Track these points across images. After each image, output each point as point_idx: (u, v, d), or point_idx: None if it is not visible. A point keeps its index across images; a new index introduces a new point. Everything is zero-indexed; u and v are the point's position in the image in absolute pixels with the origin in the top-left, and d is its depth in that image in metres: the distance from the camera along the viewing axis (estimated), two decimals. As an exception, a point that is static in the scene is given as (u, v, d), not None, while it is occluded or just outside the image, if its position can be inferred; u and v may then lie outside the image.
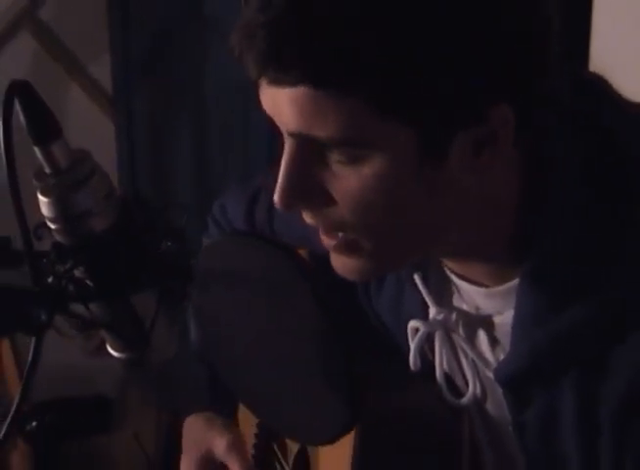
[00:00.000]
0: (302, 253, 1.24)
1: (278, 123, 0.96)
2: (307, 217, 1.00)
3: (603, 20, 1.57)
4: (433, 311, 1.12)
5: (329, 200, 0.96)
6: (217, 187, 2.73)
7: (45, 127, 0.82)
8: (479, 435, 1.15)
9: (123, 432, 2.75)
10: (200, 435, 1.32)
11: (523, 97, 0.94)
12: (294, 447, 1.31)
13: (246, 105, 2.56)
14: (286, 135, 0.95)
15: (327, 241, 1.00)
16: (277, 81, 0.91)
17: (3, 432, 0.84)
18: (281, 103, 0.92)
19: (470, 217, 1.00)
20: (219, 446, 1.28)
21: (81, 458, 2.63)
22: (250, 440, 1.35)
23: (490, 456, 1.15)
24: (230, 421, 1.33)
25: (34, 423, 2.50)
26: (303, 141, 0.94)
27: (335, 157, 0.94)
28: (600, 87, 1.05)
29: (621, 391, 0.98)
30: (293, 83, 0.90)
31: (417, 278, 1.13)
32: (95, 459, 2.68)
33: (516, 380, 1.05)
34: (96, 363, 3.16)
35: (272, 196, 0.98)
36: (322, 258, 1.17)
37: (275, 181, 0.98)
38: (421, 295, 1.13)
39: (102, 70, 2.93)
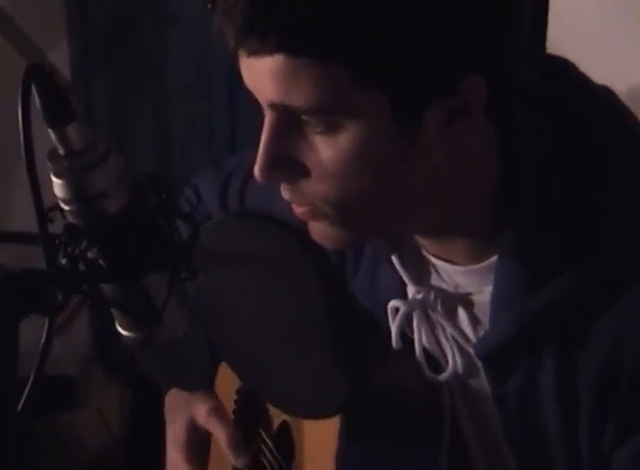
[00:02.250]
0: None
1: (257, 96, 0.98)
2: (284, 191, 1.03)
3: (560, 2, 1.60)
4: (411, 291, 1.15)
5: (305, 172, 0.99)
6: (178, 174, 2.74)
7: (60, 110, 0.82)
8: (460, 409, 1.17)
9: (87, 409, 2.76)
10: (182, 405, 1.35)
11: (493, 67, 0.97)
12: (275, 416, 1.33)
13: (206, 90, 2.57)
14: (265, 107, 0.98)
15: (296, 209, 1.04)
16: (255, 52, 0.94)
17: (20, 406, 0.85)
18: (260, 74, 0.95)
19: (443, 192, 1.03)
20: (201, 412, 1.31)
21: (47, 435, 2.64)
22: (229, 405, 1.38)
23: (472, 431, 1.18)
24: (211, 390, 1.35)
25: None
26: (282, 112, 0.97)
27: (312, 127, 0.97)
28: (568, 72, 1.09)
29: (599, 364, 1.01)
30: (270, 52, 0.93)
31: (394, 259, 1.15)
32: (61, 436, 2.69)
33: (495, 354, 1.08)
34: (59, 343, 3.16)
35: (251, 169, 1.01)
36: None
37: (255, 154, 1.00)
38: (398, 275, 1.15)
39: (60, 57, 2.92)
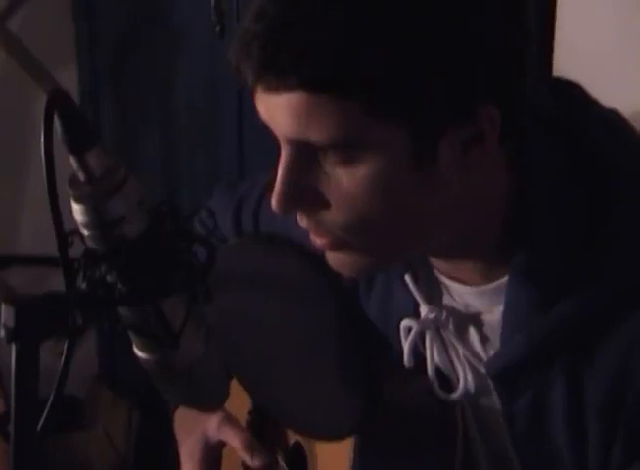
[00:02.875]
0: None
1: (274, 130, 1.00)
2: (302, 221, 1.03)
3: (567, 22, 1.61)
4: (424, 310, 1.16)
5: (324, 203, 1.00)
6: (186, 196, 2.75)
7: (81, 137, 0.84)
8: (471, 430, 1.18)
9: (94, 429, 2.77)
10: (193, 421, 1.36)
11: (506, 96, 0.99)
12: (288, 436, 1.34)
13: (214, 113, 2.58)
14: (282, 141, 0.99)
15: (316, 240, 1.04)
16: (273, 88, 0.95)
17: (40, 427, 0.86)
18: (277, 109, 0.96)
19: (459, 217, 1.05)
20: (212, 425, 1.32)
21: (55, 455, 2.65)
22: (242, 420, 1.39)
23: (483, 451, 1.19)
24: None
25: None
26: (299, 146, 0.98)
27: (330, 159, 0.98)
28: (578, 95, 1.10)
29: (607, 384, 1.03)
30: (289, 89, 0.94)
31: (408, 279, 1.16)
32: (68, 457, 2.70)
33: (506, 373, 1.09)
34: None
35: (268, 194, 1.03)
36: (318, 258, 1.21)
37: (272, 186, 1.01)
38: (411, 295, 1.17)
39: (69, 79, 2.95)
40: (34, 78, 2.88)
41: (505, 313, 1.08)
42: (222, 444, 1.37)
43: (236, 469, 1.44)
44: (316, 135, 0.96)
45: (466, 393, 1.17)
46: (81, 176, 0.85)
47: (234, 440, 1.33)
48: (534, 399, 1.09)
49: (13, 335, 0.82)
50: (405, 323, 1.18)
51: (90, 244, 0.87)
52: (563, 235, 1.04)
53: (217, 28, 2.36)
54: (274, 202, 1.01)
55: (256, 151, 2.47)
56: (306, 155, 0.99)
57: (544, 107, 1.09)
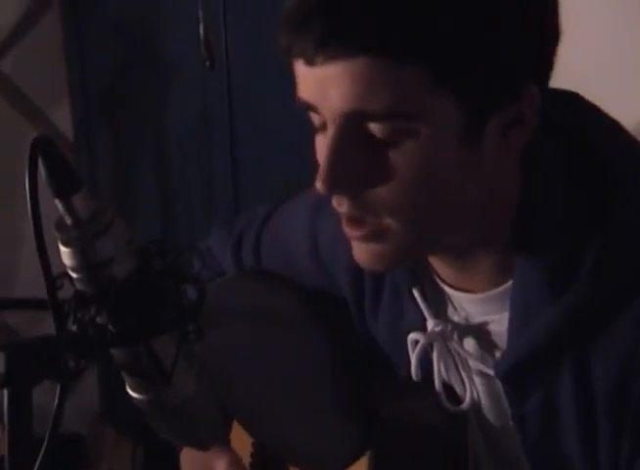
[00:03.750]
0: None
1: (324, 107, 0.99)
2: (341, 206, 1.03)
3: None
4: (431, 324, 1.17)
5: (371, 181, 1.00)
6: (181, 227, 2.76)
7: (66, 181, 0.84)
8: (478, 445, 1.19)
9: (100, 468, 2.77)
10: (199, 459, 1.36)
11: (544, 80, 1.01)
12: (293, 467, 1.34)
13: (207, 148, 2.60)
14: (331, 119, 0.99)
15: (353, 232, 1.04)
16: (336, 57, 0.95)
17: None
18: (335, 80, 0.96)
19: (485, 203, 1.06)
20: (220, 465, 1.31)
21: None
22: (245, 459, 1.39)
23: (485, 456, 1.21)
24: (227, 444, 1.36)
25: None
26: (350, 120, 0.98)
27: (381, 134, 0.98)
28: (579, 102, 1.12)
29: (616, 372, 1.03)
30: (354, 56, 0.94)
31: (416, 293, 1.18)
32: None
33: (515, 372, 1.10)
34: (68, 402, 3.17)
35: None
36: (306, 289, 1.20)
37: (316, 170, 1.01)
38: (419, 309, 1.18)
39: (62, 117, 2.97)
40: (28, 119, 2.91)
41: (512, 311, 1.09)
42: None
43: None
44: (375, 104, 0.96)
45: (473, 403, 1.18)
46: (68, 220, 0.86)
47: None
48: (544, 398, 1.09)
49: (5, 380, 0.82)
50: (412, 336, 1.19)
51: (79, 286, 0.87)
52: (566, 233, 1.05)
53: (207, 63, 2.38)
54: (320, 182, 1.00)
55: (250, 185, 2.49)
56: (355, 132, 0.98)
57: (546, 113, 1.10)
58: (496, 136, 1.00)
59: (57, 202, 0.85)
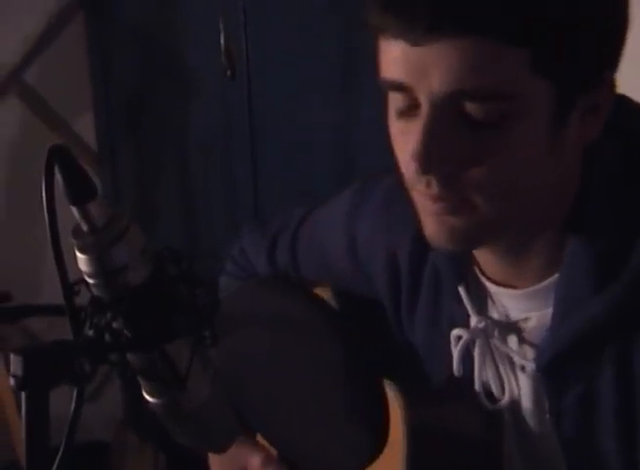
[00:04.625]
0: (325, 291, 1.29)
1: (419, 88, 1.00)
2: (430, 186, 1.03)
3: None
4: (474, 320, 1.18)
5: (464, 162, 1.01)
6: (203, 234, 2.78)
7: (82, 189, 0.86)
8: (510, 443, 1.20)
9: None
10: (232, 453, 1.37)
11: (616, 67, 1.03)
12: None
13: (227, 151, 2.62)
14: (427, 99, 1.00)
15: (435, 205, 1.05)
16: (444, 36, 0.96)
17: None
18: (437, 61, 0.97)
19: (553, 194, 1.08)
20: (254, 462, 1.33)
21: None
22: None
23: (517, 454, 1.21)
24: (255, 441, 1.38)
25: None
26: (448, 101, 0.99)
27: (478, 114, 0.99)
28: (626, 101, 1.14)
29: None
30: (462, 35, 0.95)
31: (461, 290, 1.19)
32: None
33: (556, 365, 1.11)
34: (92, 409, 3.20)
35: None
36: (344, 292, 1.22)
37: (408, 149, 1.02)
38: (462, 305, 1.19)
39: (86, 128, 3.00)
40: (52, 129, 2.94)
41: (556, 304, 1.10)
42: None
43: None
44: (476, 84, 0.97)
45: (511, 401, 1.18)
46: (84, 227, 0.87)
47: None
48: (584, 392, 1.10)
49: (22, 383, 0.84)
50: (456, 332, 1.20)
51: (96, 292, 0.89)
52: (617, 229, 1.07)
53: (228, 72, 2.40)
54: (414, 164, 1.00)
55: (271, 192, 2.50)
56: (453, 110, 0.99)
57: None
58: (577, 124, 1.02)
59: (73, 209, 0.87)
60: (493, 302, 1.18)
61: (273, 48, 2.52)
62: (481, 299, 1.19)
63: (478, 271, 1.18)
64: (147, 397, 0.95)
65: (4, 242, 2.89)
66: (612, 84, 1.03)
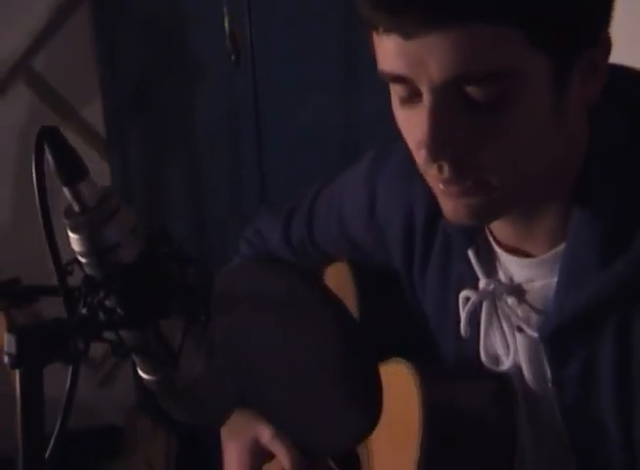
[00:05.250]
0: (342, 262, 1.31)
1: (419, 78, 1.01)
2: (443, 171, 1.05)
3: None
4: (483, 283, 1.20)
5: (473, 144, 1.02)
6: (210, 218, 2.80)
7: (72, 169, 0.88)
8: (520, 417, 1.21)
9: (135, 457, 2.81)
10: (243, 425, 1.39)
11: (608, 25, 1.04)
12: None
13: (234, 139, 2.63)
14: (429, 87, 1.01)
15: (450, 188, 1.06)
16: (436, 28, 0.97)
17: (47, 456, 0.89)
18: (433, 51, 0.98)
19: (562, 161, 1.09)
20: (265, 434, 1.35)
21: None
22: None
23: (528, 432, 1.22)
24: None
25: (46, 454, 2.55)
26: (449, 87, 1.00)
27: (480, 96, 1.00)
28: (634, 72, 1.16)
29: None
30: (453, 24, 0.96)
31: (470, 253, 1.21)
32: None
33: (558, 336, 1.12)
34: (105, 394, 3.22)
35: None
36: (361, 266, 1.25)
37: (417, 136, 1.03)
38: (471, 268, 1.21)
39: (94, 114, 3.01)
40: (60, 116, 2.95)
41: (561, 274, 1.11)
42: (271, 455, 1.41)
43: None
44: (474, 68, 0.98)
45: (515, 365, 1.20)
46: (76, 207, 0.88)
47: (284, 457, 1.37)
48: (585, 363, 1.11)
49: (16, 361, 0.85)
50: (464, 294, 1.22)
51: (89, 271, 0.90)
52: (623, 199, 1.07)
53: (232, 57, 2.40)
54: (424, 152, 1.02)
55: (277, 176, 2.51)
56: (455, 95, 1.00)
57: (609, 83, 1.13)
58: (578, 85, 1.03)
59: (65, 190, 0.88)
60: (501, 266, 1.20)
61: (277, 32, 2.53)
62: (491, 262, 1.21)
63: (489, 235, 1.20)
64: (142, 374, 0.96)
65: (13, 229, 2.91)
66: (607, 41, 1.03)
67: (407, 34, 0.98)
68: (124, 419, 2.99)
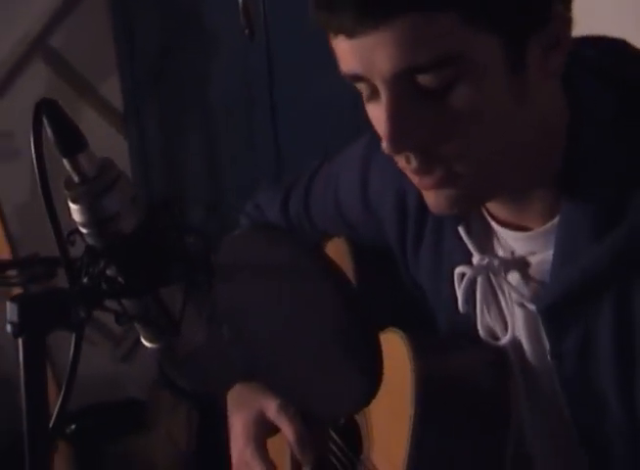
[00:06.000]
0: (340, 238, 1.32)
1: (372, 75, 1.03)
2: (410, 162, 1.07)
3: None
4: (476, 259, 1.21)
5: (434, 132, 1.04)
6: (226, 190, 2.81)
7: (71, 140, 0.89)
8: (516, 381, 1.22)
9: (157, 431, 2.85)
10: (249, 398, 1.41)
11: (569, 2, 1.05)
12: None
13: (248, 108, 2.64)
14: (382, 83, 1.03)
15: (424, 181, 1.08)
16: (375, 24, 0.99)
17: (51, 425, 0.91)
18: (380, 46, 1.00)
19: (538, 143, 1.09)
20: (270, 407, 1.37)
21: (119, 457, 2.73)
22: None
23: (522, 389, 1.23)
24: None
25: (73, 426, 2.59)
26: (402, 78, 1.01)
27: (433, 84, 1.01)
28: (624, 46, 1.15)
29: None
30: (392, 18, 0.98)
31: (461, 230, 1.22)
32: (132, 458, 2.78)
33: (555, 307, 1.13)
34: (128, 368, 3.25)
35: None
36: (358, 243, 1.27)
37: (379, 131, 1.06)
38: (464, 245, 1.22)
39: (112, 90, 3.04)
40: (78, 92, 2.97)
41: (556, 248, 1.11)
42: (277, 428, 1.42)
43: (283, 456, 1.48)
44: (421, 57, 0.99)
45: (513, 339, 1.20)
46: (75, 178, 0.90)
47: (288, 430, 1.38)
48: (583, 335, 1.11)
49: (19, 330, 0.87)
50: (459, 270, 1.23)
51: (90, 241, 0.91)
52: (614, 171, 1.08)
53: (246, 31, 2.41)
54: (386, 144, 1.04)
55: (291, 149, 2.52)
56: (409, 87, 1.02)
57: (592, 57, 1.13)
58: (538, 62, 1.03)
59: (64, 161, 0.90)
60: (499, 241, 1.20)
61: (291, 6, 2.52)
62: (487, 237, 1.21)
63: (484, 211, 1.20)
64: (144, 342, 0.98)
65: (32, 205, 2.94)
66: (560, 15, 1.03)
67: (350, 34, 1.00)
68: (147, 393, 3.02)
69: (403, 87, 1.01)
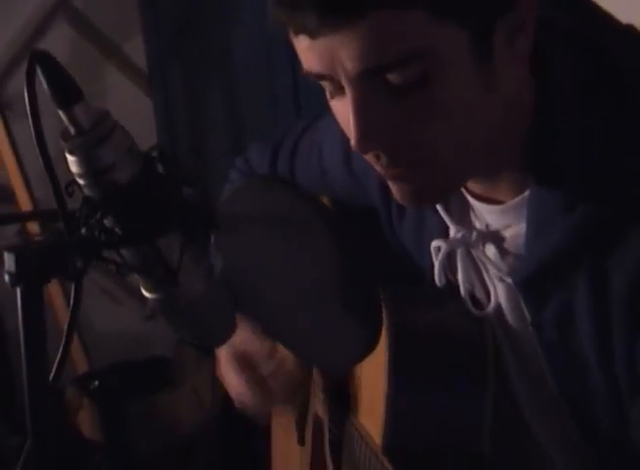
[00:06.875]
0: (324, 199, 1.32)
1: (337, 73, 1.01)
2: (379, 158, 1.06)
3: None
4: (452, 231, 1.20)
5: (403, 128, 1.02)
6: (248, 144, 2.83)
7: (66, 92, 0.89)
8: (502, 344, 1.22)
9: (183, 388, 2.88)
10: (234, 340, 1.42)
11: None
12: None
13: (269, 69, 2.64)
14: (348, 82, 1.01)
15: (389, 171, 1.07)
16: (339, 25, 0.97)
17: (53, 373, 0.92)
18: (343, 47, 0.98)
19: (506, 128, 1.08)
20: (262, 350, 1.41)
21: (144, 415, 2.76)
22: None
23: (512, 360, 1.23)
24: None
25: (97, 383, 2.63)
26: (367, 77, 1.00)
27: (401, 81, 1.00)
28: (588, 6, 1.12)
29: (632, 273, 1.04)
30: (355, 18, 0.96)
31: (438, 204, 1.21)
32: (157, 416, 2.81)
33: (532, 280, 1.12)
34: (154, 326, 3.27)
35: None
36: (340, 203, 1.24)
37: (344, 133, 1.06)
38: (440, 217, 1.21)
39: (136, 50, 3.04)
40: (103, 54, 2.98)
41: (529, 220, 1.11)
42: (246, 353, 1.46)
43: (289, 433, 1.51)
44: (386, 55, 0.98)
45: (497, 308, 1.20)
46: (72, 129, 0.90)
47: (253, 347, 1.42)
48: (562, 305, 1.11)
49: (16, 279, 0.88)
50: (435, 244, 1.23)
51: (87, 193, 0.92)
52: (583, 141, 1.06)
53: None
54: (354, 144, 1.03)
55: (312, 102, 2.52)
56: (375, 84, 1.00)
57: (560, 20, 1.11)
58: (504, 47, 1.01)
59: (60, 112, 0.90)
60: (475, 213, 1.19)
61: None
62: (465, 211, 1.21)
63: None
64: (144, 293, 0.98)
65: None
66: (525, 1, 1.01)
67: (312, 34, 0.98)
68: (172, 351, 3.05)
69: (369, 85, 1.00)
